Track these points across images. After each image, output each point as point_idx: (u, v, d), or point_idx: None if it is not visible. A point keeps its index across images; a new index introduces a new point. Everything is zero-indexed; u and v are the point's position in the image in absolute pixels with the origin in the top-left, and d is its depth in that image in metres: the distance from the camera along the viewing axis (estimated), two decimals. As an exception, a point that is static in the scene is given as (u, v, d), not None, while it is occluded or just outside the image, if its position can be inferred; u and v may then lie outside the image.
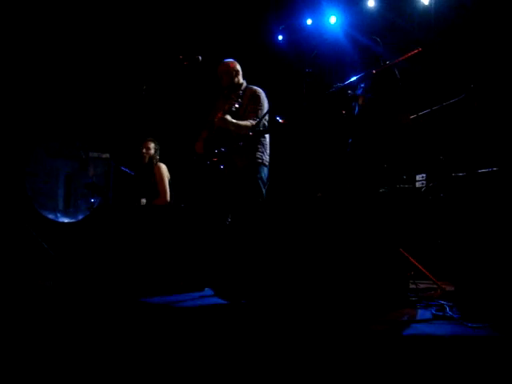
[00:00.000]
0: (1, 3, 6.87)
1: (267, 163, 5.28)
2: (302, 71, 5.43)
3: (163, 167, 6.37)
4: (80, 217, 7.04)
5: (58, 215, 7.07)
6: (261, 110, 5.23)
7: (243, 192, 5.08)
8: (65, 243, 6.02)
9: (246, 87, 5.40)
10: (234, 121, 5.08)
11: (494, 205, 3.85)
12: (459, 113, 4.83)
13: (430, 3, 6.38)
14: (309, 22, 7.84)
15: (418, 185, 5.01)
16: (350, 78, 5.62)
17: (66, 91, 7.18)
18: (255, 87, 5.39)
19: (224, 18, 7.53)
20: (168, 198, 6.24)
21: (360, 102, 5.23)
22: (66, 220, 7.06)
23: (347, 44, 7.00)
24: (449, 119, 4.95)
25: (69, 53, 7.16)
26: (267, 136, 5.33)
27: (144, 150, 6.39)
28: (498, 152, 4.68)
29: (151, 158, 6.41)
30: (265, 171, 5.24)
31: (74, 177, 7.16)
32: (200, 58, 5.29)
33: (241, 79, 5.45)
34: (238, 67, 5.47)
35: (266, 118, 5.31)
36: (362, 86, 5.35)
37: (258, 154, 5.19)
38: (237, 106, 5.13)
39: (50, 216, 7.01)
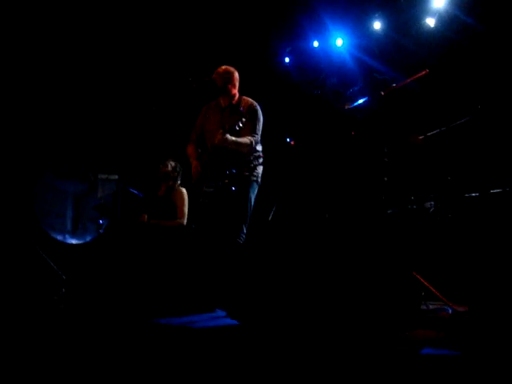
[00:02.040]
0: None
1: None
2: (311, 93, 5.47)
3: (185, 191, 6.17)
4: (88, 238, 7.05)
5: (67, 236, 7.08)
6: (258, 124, 5.16)
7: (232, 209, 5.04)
8: (74, 265, 6.02)
9: (241, 99, 5.25)
10: (234, 139, 4.98)
11: (506, 225, 3.87)
12: (467, 133, 4.85)
13: (436, 25, 6.42)
14: (315, 44, 7.84)
15: (426, 206, 5.01)
16: (357, 100, 5.69)
17: (75, 114, 7.23)
18: (251, 100, 5.26)
19: (232, 41, 7.59)
20: (185, 222, 6.06)
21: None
22: (74, 241, 7.07)
23: (354, 66, 7.05)
24: (457, 140, 4.97)
25: (78, 75, 7.22)
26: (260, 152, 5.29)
27: (169, 169, 6.16)
28: (507, 173, 4.69)
29: (175, 178, 6.20)
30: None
31: (82, 198, 7.18)
32: (209, 80, 5.29)
33: (235, 90, 5.26)
34: (237, 76, 5.28)
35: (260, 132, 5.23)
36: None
37: (255, 173, 5.20)
38: (241, 125, 5.05)
39: (59, 237, 7.02)
